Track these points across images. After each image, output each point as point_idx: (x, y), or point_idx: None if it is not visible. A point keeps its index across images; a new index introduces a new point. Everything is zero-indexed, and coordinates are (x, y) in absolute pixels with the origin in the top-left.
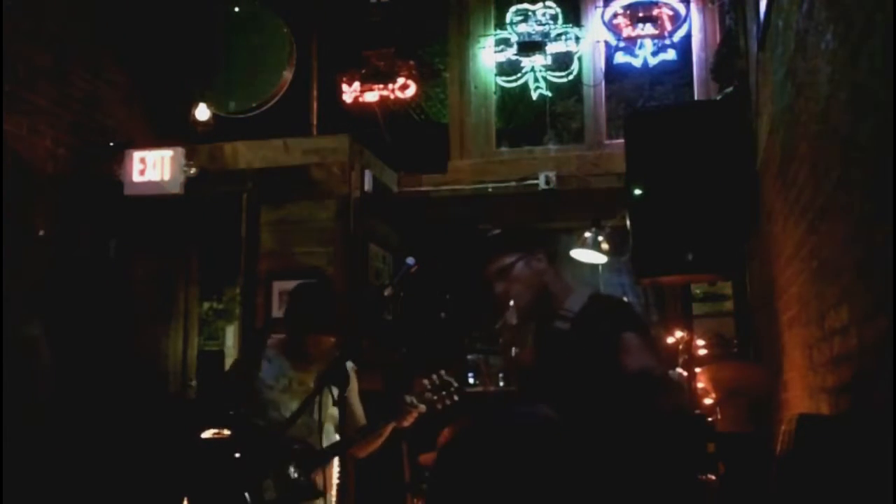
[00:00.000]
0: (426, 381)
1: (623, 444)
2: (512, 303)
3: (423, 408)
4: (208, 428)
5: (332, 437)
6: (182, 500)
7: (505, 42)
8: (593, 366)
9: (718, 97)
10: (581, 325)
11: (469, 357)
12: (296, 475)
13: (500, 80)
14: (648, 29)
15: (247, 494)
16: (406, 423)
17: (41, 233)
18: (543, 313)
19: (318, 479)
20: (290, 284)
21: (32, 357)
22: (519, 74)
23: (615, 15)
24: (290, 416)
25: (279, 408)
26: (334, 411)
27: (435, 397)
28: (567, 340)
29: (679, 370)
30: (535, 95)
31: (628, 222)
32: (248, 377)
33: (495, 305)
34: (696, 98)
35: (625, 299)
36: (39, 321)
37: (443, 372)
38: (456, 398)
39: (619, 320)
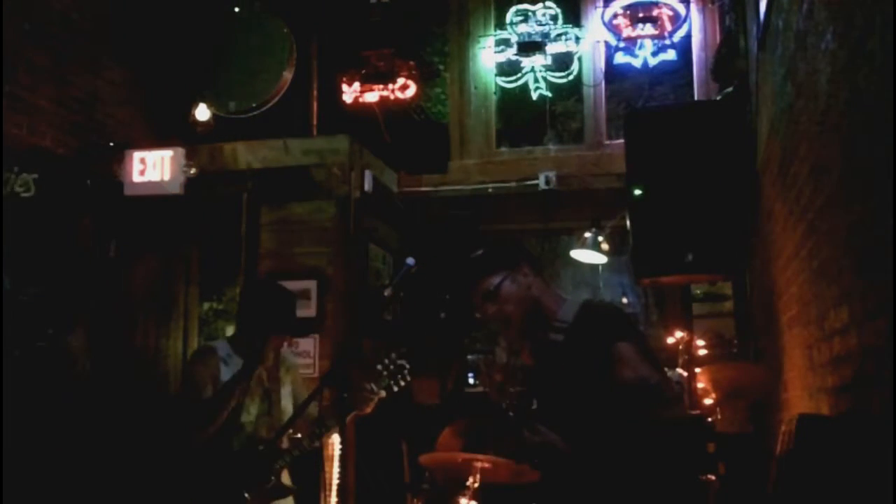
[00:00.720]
0: (380, 367)
1: (621, 456)
2: (501, 341)
3: (382, 393)
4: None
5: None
6: (181, 500)
7: (505, 42)
8: (589, 377)
9: (718, 97)
10: (574, 336)
11: (469, 357)
12: (266, 476)
13: (500, 81)
14: (648, 29)
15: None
16: (368, 411)
17: (114, 247)
18: (536, 326)
19: (285, 478)
20: (290, 284)
21: (71, 366)
22: (519, 75)
23: (615, 15)
24: (288, 419)
25: (240, 410)
26: (287, 407)
27: (392, 381)
28: (561, 352)
29: (679, 370)
30: (535, 95)
31: (628, 222)
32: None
33: (489, 326)
34: (696, 98)
35: (620, 302)
36: (81, 331)
37: (394, 355)
38: (409, 378)
39: (612, 330)
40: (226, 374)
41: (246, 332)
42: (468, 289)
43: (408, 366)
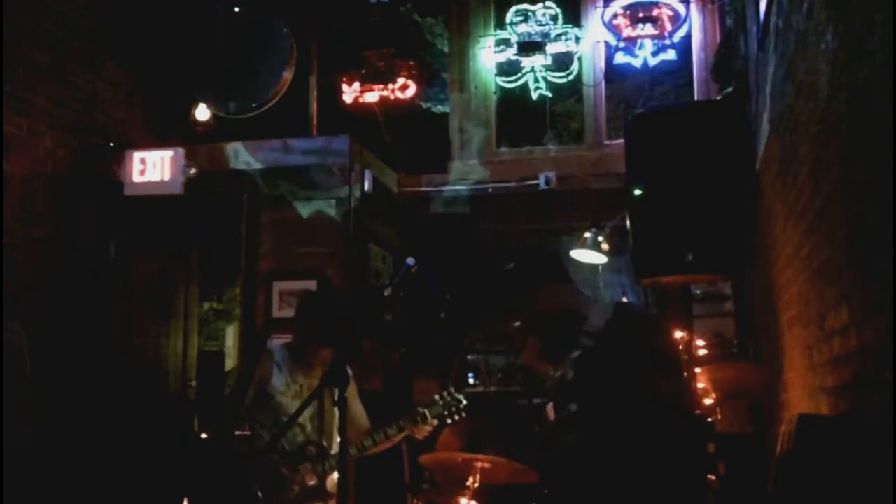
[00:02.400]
0: (437, 397)
1: (652, 457)
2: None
3: (435, 421)
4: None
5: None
6: (182, 500)
7: (505, 42)
8: (618, 383)
9: (718, 97)
10: (605, 341)
11: (469, 357)
12: (312, 477)
13: (500, 80)
14: (648, 29)
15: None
16: (419, 436)
17: (114, 247)
18: (569, 331)
19: (330, 482)
20: (290, 284)
21: (10, 357)
22: (519, 74)
23: (615, 15)
24: (289, 418)
25: (290, 413)
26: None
27: (445, 412)
28: (592, 357)
29: None
30: (535, 95)
31: (628, 222)
32: (249, 378)
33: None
34: (696, 98)
35: (649, 313)
36: (19, 321)
37: (452, 389)
38: (463, 415)
39: (649, 363)
40: (277, 377)
41: (297, 338)
42: (502, 301)
43: (464, 401)
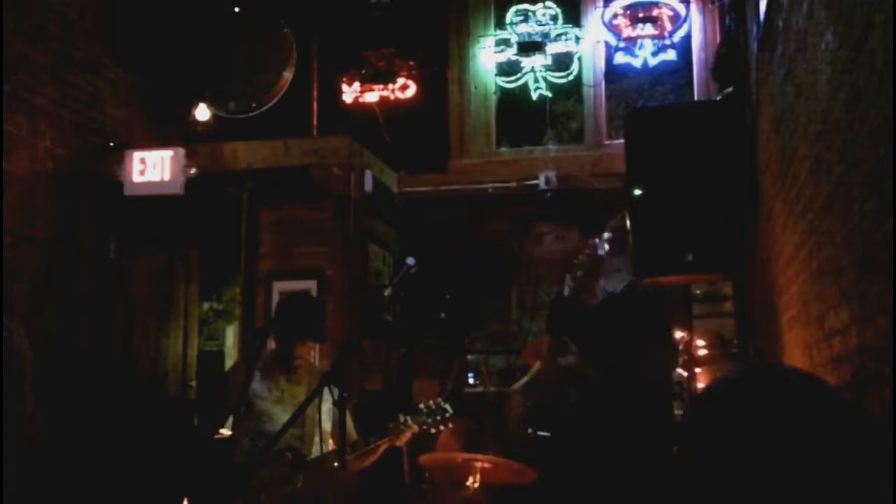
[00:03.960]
0: (422, 405)
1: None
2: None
3: (416, 428)
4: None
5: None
6: (182, 500)
7: (505, 42)
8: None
9: (718, 97)
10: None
11: (469, 357)
12: (287, 482)
13: (500, 81)
14: (648, 29)
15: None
16: (399, 443)
17: (114, 247)
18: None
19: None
20: (290, 284)
21: (11, 356)
22: (519, 74)
23: (615, 15)
24: (288, 420)
25: (272, 418)
26: (326, 425)
27: (429, 420)
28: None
29: (679, 370)
30: (535, 95)
31: (628, 222)
32: (248, 379)
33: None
34: (696, 98)
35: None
36: (19, 321)
37: (439, 399)
38: (450, 425)
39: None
40: (258, 382)
41: (278, 341)
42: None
43: (450, 410)
